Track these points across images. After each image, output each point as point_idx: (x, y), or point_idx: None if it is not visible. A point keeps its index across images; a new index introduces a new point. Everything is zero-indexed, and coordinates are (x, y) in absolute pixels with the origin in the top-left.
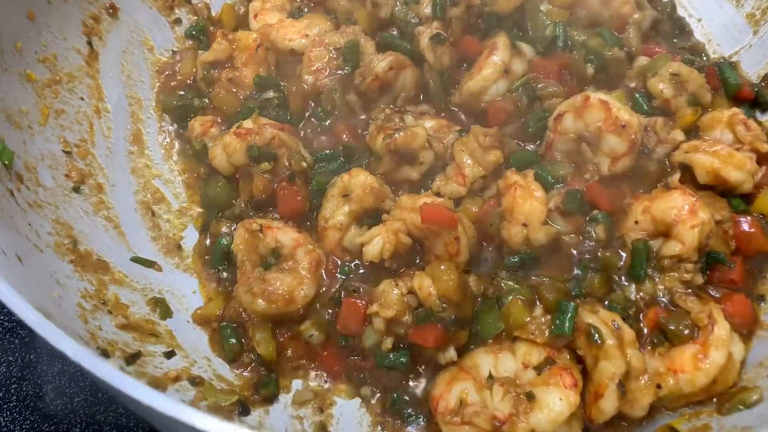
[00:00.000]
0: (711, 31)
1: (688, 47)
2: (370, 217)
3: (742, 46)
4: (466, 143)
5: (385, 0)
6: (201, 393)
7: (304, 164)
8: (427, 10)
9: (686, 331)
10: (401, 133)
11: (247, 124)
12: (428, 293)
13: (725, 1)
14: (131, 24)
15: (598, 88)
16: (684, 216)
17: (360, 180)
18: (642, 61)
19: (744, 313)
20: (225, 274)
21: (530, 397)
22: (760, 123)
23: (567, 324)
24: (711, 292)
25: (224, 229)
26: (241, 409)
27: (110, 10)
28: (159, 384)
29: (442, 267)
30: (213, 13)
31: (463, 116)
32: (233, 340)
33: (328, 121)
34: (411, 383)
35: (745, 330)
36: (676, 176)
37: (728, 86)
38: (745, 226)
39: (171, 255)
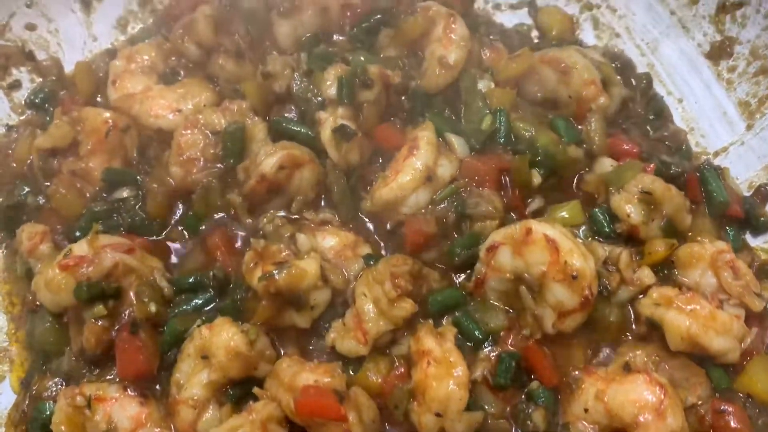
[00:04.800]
0: (695, 116)
1: (666, 137)
2: (238, 386)
3: (732, 142)
4: (370, 287)
5: (280, 70)
6: None
7: (153, 308)
8: (332, 91)
9: None
10: (284, 272)
11: (79, 248)
12: None
13: (714, 80)
14: None
15: (548, 197)
16: (648, 419)
17: (223, 340)
18: (605, 164)
19: None
20: None
21: None
22: (751, 249)
23: None
24: None
25: (50, 389)
26: None
27: None
28: None
29: None
30: (66, 72)
31: (374, 227)
32: None
33: (202, 227)
34: None
35: None
36: (640, 356)
37: (713, 203)
38: (729, 418)
39: None
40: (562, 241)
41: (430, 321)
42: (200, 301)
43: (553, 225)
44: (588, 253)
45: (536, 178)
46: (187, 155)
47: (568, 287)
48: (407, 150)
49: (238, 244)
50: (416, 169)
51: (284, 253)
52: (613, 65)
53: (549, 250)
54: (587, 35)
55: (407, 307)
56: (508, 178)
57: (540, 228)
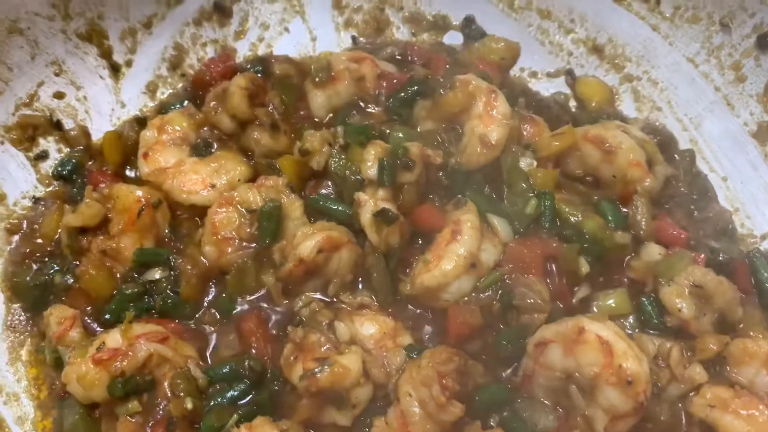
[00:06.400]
0: (739, 196)
1: (711, 218)
2: None
3: None
4: (415, 386)
5: (318, 147)
6: None
7: (189, 405)
8: (372, 171)
9: None
10: (327, 370)
11: (113, 340)
12: None
13: (761, 161)
14: None
15: (594, 284)
16: None
17: None
18: (653, 251)
19: None
20: None
21: None
22: None
23: None
24: None
25: None
26: None
27: None
28: None
29: None
30: (93, 141)
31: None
32: None
33: (235, 310)
34: None
35: None
36: None
37: (764, 293)
38: None
39: None
40: (616, 344)
41: (478, 422)
42: (236, 393)
43: (606, 323)
44: (642, 355)
45: (584, 267)
46: (222, 234)
47: (622, 392)
48: (449, 234)
49: (273, 327)
50: (460, 256)
51: (324, 347)
52: (655, 140)
53: (602, 351)
54: (627, 107)
55: (456, 411)
56: (554, 265)
57: (593, 328)
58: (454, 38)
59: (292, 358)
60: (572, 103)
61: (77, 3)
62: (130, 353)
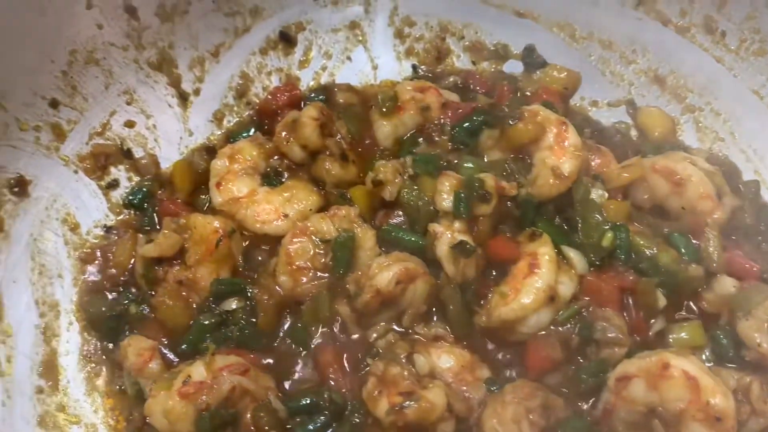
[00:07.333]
0: None
1: None
2: None
3: None
4: (502, 422)
5: (391, 177)
6: None
7: None
8: (447, 203)
9: None
10: (414, 405)
11: (198, 373)
12: None
13: None
14: (46, 199)
15: (669, 317)
16: None
17: None
18: (726, 284)
19: None
20: None
21: None
22: None
23: None
24: None
25: None
26: None
27: (16, 188)
28: None
29: None
30: (163, 169)
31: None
32: None
33: (311, 340)
34: None
35: None
36: None
37: None
38: None
39: None
40: (703, 379)
41: None
42: (318, 425)
43: (690, 358)
44: (728, 391)
45: (661, 301)
46: (297, 264)
47: (709, 428)
48: (527, 267)
49: (349, 357)
50: (538, 289)
51: (407, 381)
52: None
53: (689, 387)
54: (689, 137)
55: None
56: (630, 299)
57: (679, 363)
58: (513, 67)
59: (376, 392)
60: (632, 133)
61: (150, 33)
62: (215, 386)
